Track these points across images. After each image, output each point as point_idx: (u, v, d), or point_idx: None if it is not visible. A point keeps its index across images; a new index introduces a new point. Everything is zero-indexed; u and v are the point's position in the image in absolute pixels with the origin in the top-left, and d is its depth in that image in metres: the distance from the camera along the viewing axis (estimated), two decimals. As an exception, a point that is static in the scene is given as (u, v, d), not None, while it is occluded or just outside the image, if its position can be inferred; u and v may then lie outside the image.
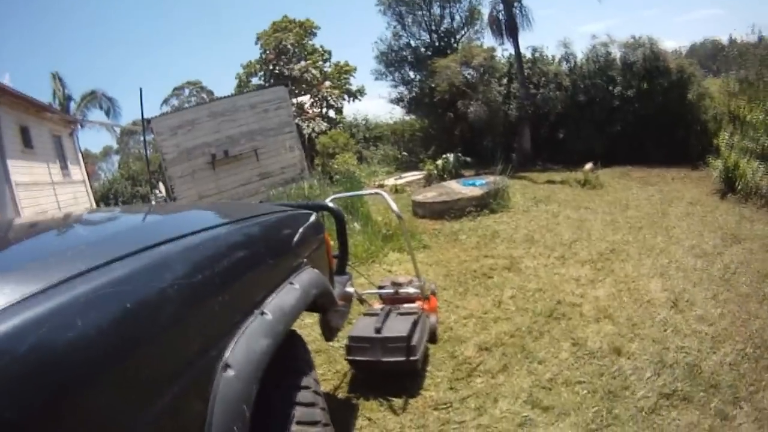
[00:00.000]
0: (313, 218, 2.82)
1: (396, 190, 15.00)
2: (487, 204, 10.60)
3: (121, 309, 1.23)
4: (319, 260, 2.75)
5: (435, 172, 16.16)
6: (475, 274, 6.89)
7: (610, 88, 17.15)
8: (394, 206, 4.95)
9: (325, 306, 2.72)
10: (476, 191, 10.97)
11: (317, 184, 12.07)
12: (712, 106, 15.91)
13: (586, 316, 5.21)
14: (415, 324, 4.35)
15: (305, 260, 2.51)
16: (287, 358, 2.14)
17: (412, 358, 4.13)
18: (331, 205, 3.56)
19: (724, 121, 15.08)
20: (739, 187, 10.02)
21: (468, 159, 17.00)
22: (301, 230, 2.57)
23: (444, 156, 16.58)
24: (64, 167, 19.22)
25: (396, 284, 5.20)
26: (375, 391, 4.24)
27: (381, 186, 16.06)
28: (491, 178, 11.69)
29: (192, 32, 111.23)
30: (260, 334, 1.79)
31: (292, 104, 22.47)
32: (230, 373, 1.57)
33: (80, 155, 22.61)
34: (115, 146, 49.73)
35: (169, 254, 1.58)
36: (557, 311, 5.38)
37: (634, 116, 16.45)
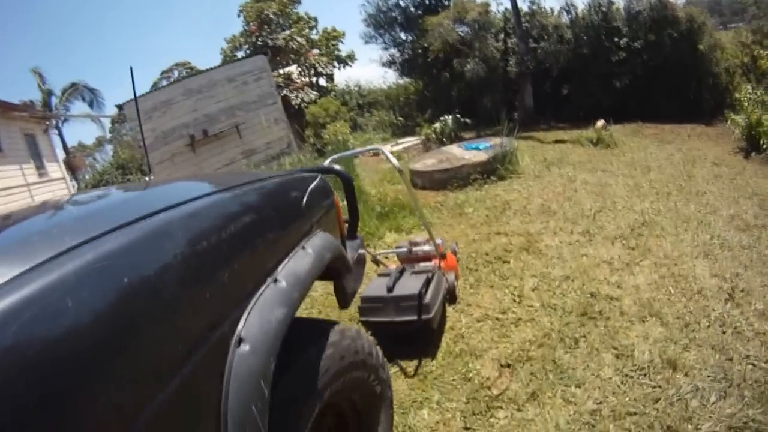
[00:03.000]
0: (320, 181, 2.65)
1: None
2: (494, 170, 9.50)
3: (118, 285, 1.12)
4: (330, 225, 2.64)
5: (433, 136, 15.31)
6: (487, 257, 5.86)
7: (616, 39, 16.18)
8: (395, 161, 4.39)
9: (340, 271, 2.57)
10: (481, 156, 9.84)
11: (303, 159, 11.09)
12: (724, 58, 15.11)
13: (628, 314, 4.22)
14: (428, 281, 4.22)
15: (316, 224, 2.39)
16: None
17: (425, 316, 3.97)
18: (337, 167, 3.30)
19: (737, 74, 14.60)
20: (765, 146, 9.28)
21: (468, 120, 16.16)
22: (309, 192, 2.42)
23: (442, 118, 15.68)
24: (40, 166, 18.72)
25: (413, 244, 4.98)
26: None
27: (376, 155, 15.25)
28: (496, 140, 10.61)
29: (175, 13, 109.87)
30: (275, 302, 1.69)
31: (279, 75, 21.64)
32: (245, 348, 1.49)
33: (57, 151, 22.12)
34: (108, 136, 48.97)
35: (170, 222, 1.44)
36: (592, 308, 4.37)
37: (643, 68, 15.50)
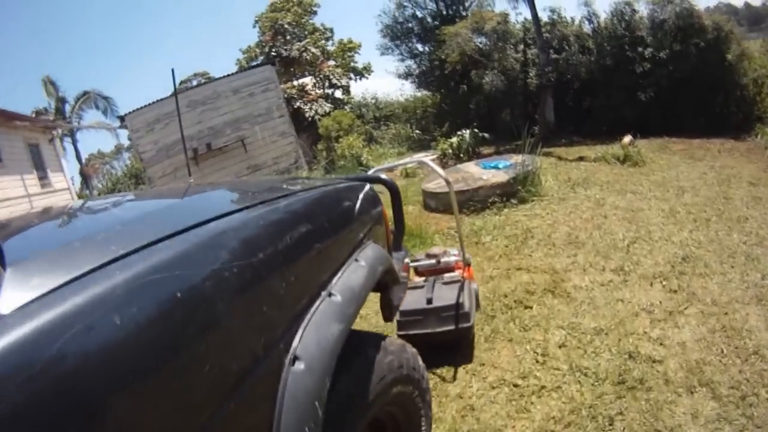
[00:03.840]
0: (369, 190, 2.59)
1: (406, 175, 13.47)
2: (514, 192, 8.66)
3: (169, 299, 1.08)
4: (379, 236, 2.57)
5: (450, 151, 14.76)
6: (506, 300, 5.14)
7: (640, 49, 15.31)
8: (441, 171, 4.61)
9: (389, 283, 2.52)
10: (500, 176, 9.04)
11: (310, 176, 10.48)
12: (751, 68, 14.33)
13: (674, 383, 3.50)
14: (461, 290, 4.25)
15: (367, 235, 2.32)
16: None
17: (464, 325, 4.06)
18: (383, 176, 3.21)
19: (765, 84, 13.92)
20: None
21: (486, 135, 15.58)
22: (361, 202, 2.39)
23: (459, 133, 15.10)
24: (43, 177, 18.46)
25: (430, 255, 4.99)
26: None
27: (390, 170, 14.67)
28: (517, 158, 9.75)
29: (194, 23, 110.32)
30: (330, 318, 1.63)
31: (293, 86, 21.22)
32: (300, 366, 1.43)
33: (62, 161, 21.88)
34: (127, 143, 49.20)
35: (225, 231, 1.40)
36: (631, 374, 3.65)
37: (668, 80, 14.63)
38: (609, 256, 5.89)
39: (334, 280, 1.81)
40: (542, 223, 7.49)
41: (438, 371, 4.08)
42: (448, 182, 4.61)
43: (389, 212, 3.03)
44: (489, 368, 4.02)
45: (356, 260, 2.03)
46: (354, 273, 1.94)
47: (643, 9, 16.09)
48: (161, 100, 13.95)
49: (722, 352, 3.78)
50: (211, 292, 1.17)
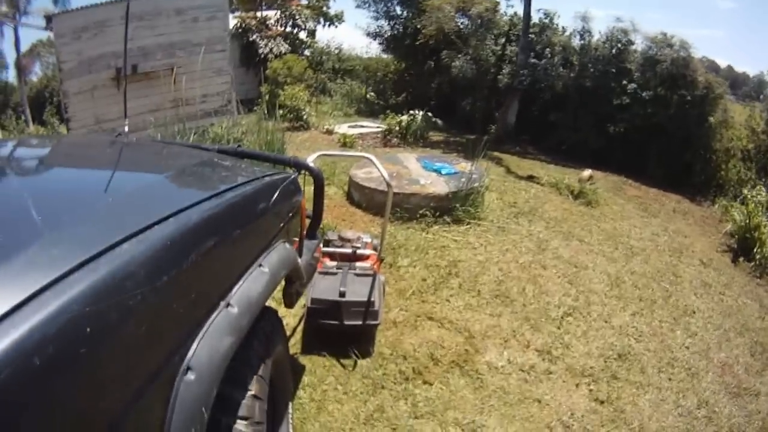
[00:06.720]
0: (292, 183, 2.60)
1: (344, 144, 12.37)
2: (450, 209, 7.48)
3: (72, 329, 1.07)
4: (293, 228, 2.60)
5: (396, 129, 13.78)
6: (403, 365, 4.17)
7: (624, 82, 14.65)
8: (385, 174, 4.61)
9: (292, 279, 2.57)
10: (439, 186, 7.81)
11: (239, 128, 9.23)
12: (727, 137, 14.08)
13: None
14: (372, 286, 4.30)
15: (278, 234, 2.33)
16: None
17: (372, 322, 4.17)
18: (311, 164, 3.20)
19: (735, 157, 13.74)
20: (757, 255, 8.44)
21: (439, 121, 15.06)
22: (279, 201, 2.35)
23: (411, 112, 14.26)
24: None
25: (344, 239, 5.00)
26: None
27: (329, 132, 13.62)
28: (464, 165, 8.74)
29: None
30: (224, 331, 1.67)
31: (254, 17, 20.01)
32: (191, 377, 1.48)
33: None
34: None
35: (133, 258, 1.31)
36: None
37: (643, 121, 14.08)
38: (538, 327, 5.02)
39: (234, 289, 1.78)
40: (472, 257, 6.45)
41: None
42: (389, 185, 4.72)
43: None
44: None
45: (260, 266, 2.01)
46: (255, 282, 1.91)
47: (639, 43, 15.54)
48: (96, 5, 12.44)
49: None
50: (110, 325, 1.16)
